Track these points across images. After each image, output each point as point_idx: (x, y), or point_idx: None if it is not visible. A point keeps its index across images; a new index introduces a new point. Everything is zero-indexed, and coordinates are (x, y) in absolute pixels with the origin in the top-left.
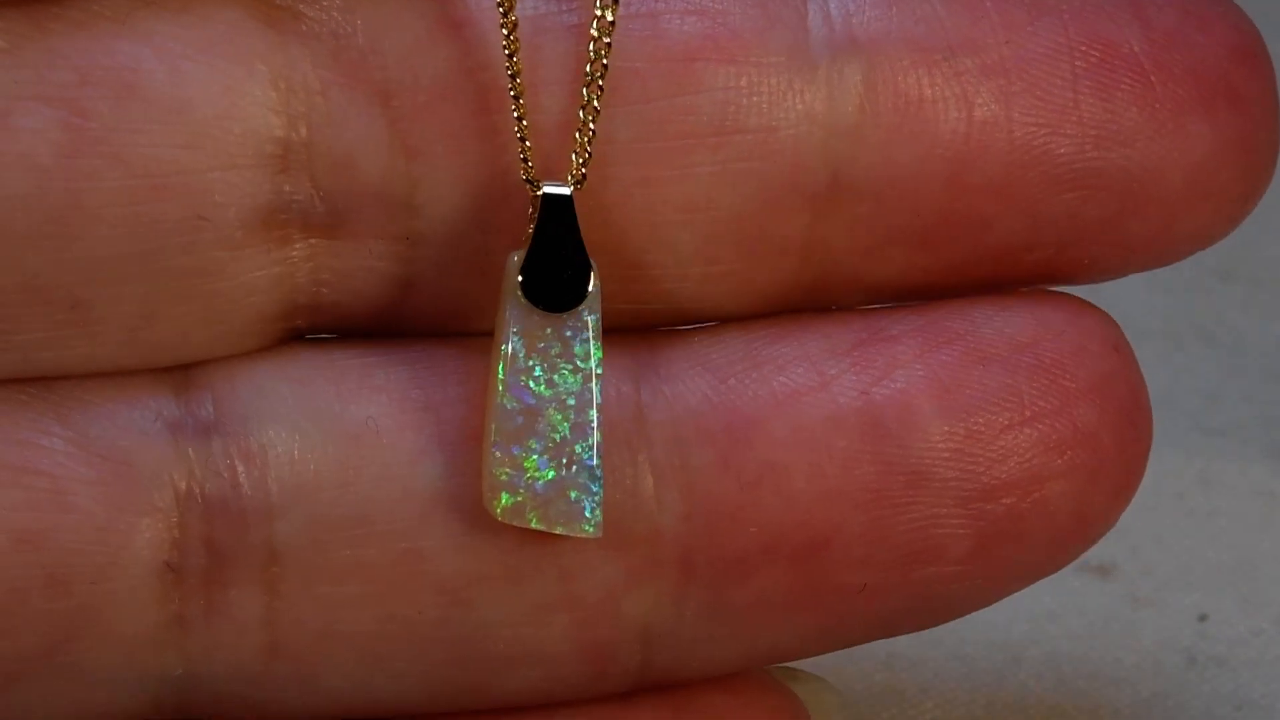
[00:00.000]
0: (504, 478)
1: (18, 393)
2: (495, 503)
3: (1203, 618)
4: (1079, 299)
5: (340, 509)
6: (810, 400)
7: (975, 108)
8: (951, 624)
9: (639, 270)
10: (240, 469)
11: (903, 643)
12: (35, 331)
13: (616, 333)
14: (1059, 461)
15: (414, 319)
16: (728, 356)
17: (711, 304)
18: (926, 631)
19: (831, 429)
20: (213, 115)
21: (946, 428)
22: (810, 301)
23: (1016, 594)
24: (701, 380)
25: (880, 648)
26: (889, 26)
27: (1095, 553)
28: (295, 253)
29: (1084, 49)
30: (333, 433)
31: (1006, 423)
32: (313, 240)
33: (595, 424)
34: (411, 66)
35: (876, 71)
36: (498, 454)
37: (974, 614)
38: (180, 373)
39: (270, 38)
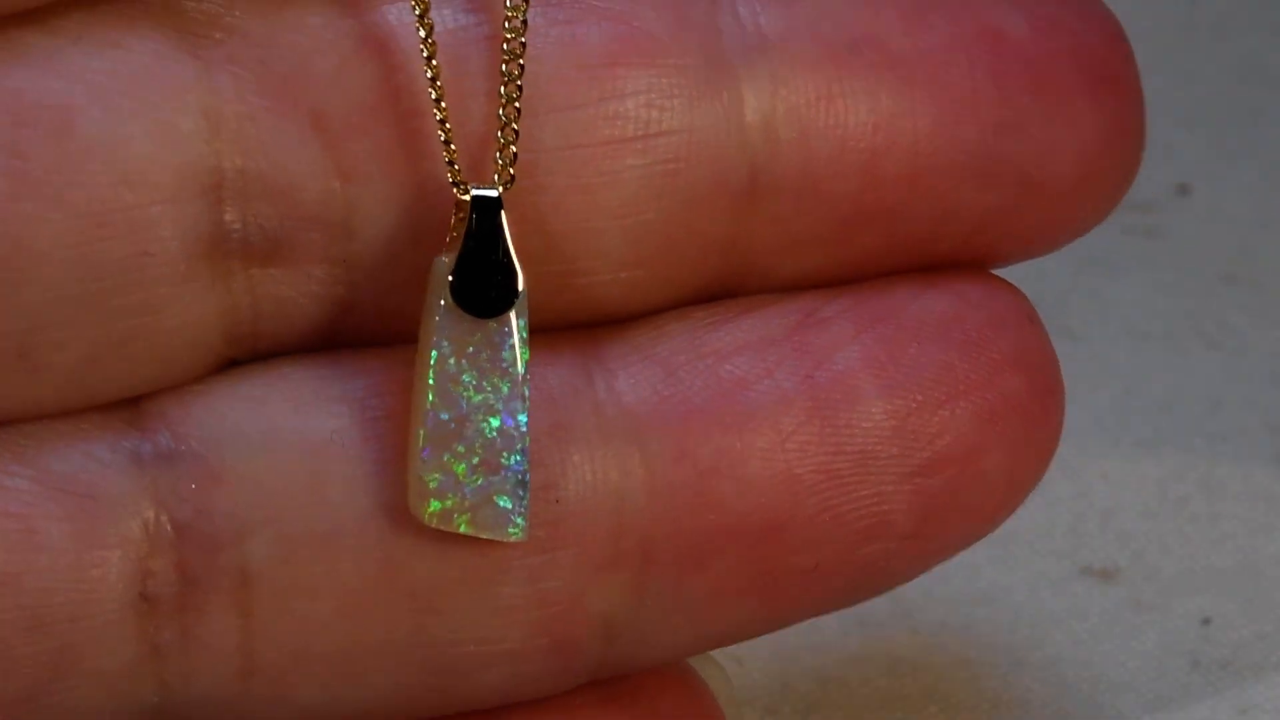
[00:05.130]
0: (433, 484)
1: None
2: (424, 508)
3: (1206, 622)
4: (988, 273)
5: (309, 525)
6: (756, 388)
7: (881, 100)
8: (955, 629)
9: (569, 278)
10: (205, 493)
11: (906, 648)
12: None
13: (557, 331)
14: (992, 432)
15: (354, 337)
16: (671, 348)
17: (637, 306)
18: (930, 637)
19: (779, 414)
20: (149, 150)
21: (888, 406)
22: (727, 296)
23: (1019, 598)
24: (650, 372)
25: (884, 653)
26: (795, 24)
27: (1098, 557)
28: (236, 283)
29: (976, 38)
30: (295, 449)
31: (942, 397)
32: (253, 270)
33: (523, 429)
34: (339, 88)
35: (786, 69)
36: (426, 459)
37: (977, 619)
38: (129, 404)
39: (195, 67)
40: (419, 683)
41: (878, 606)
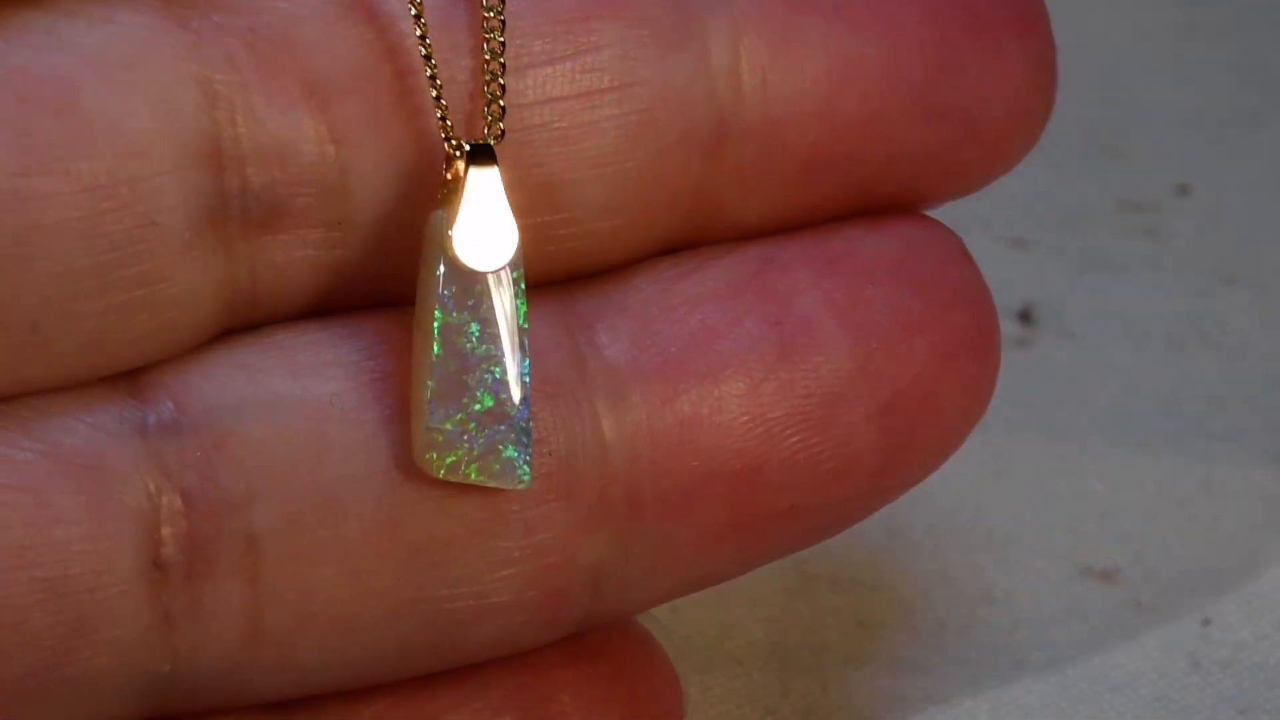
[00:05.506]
0: (441, 437)
1: None
2: (432, 460)
3: (1206, 622)
4: (922, 214)
5: (314, 489)
6: (728, 336)
7: (833, 45)
8: (955, 629)
9: (554, 229)
10: (211, 461)
11: (906, 648)
12: None
13: (534, 287)
14: (948, 368)
15: (349, 299)
16: (643, 300)
17: (614, 256)
18: (929, 637)
19: (752, 361)
20: (151, 122)
21: (851, 347)
22: (692, 244)
23: (1019, 598)
24: (626, 324)
25: (884, 653)
26: None
27: (1098, 557)
28: (237, 251)
29: None
30: (296, 413)
31: (901, 336)
32: (252, 236)
33: (526, 378)
34: (328, 53)
35: (746, 18)
36: (435, 411)
37: (977, 619)
38: (129, 377)
39: (185, 39)
40: (416, 639)
41: (878, 606)
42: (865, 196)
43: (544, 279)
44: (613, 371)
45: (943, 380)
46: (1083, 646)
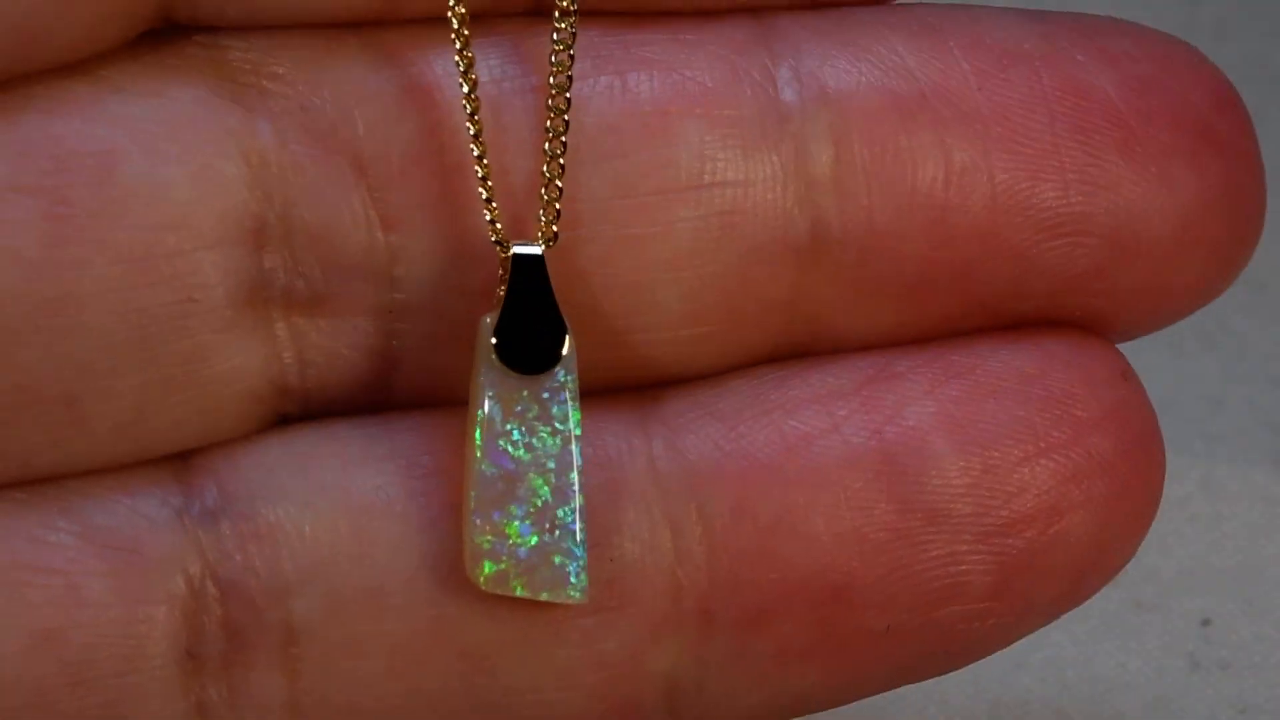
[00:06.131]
0: (486, 545)
1: (17, 493)
2: (478, 571)
3: (1206, 622)
4: (1081, 331)
5: (356, 582)
6: (822, 443)
7: (953, 155)
8: None
9: (623, 334)
10: (251, 550)
11: None
12: (32, 434)
13: (615, 390)
14: (1076, 492)
15: (403, 393)
16: (735, 404)
17: (699, 366)
18: None
19: (846, 471)
20: (191, 194)
21: (962, 463)
22: (799, 356)
23: None
24: (711, 429)
25: None
26: (858, 79)
27: None
28: (280, 332)
29: (1059, 95)
30: (342, 506)
31: (1022, 456)
32: (296, 318)
33: (576, 487)
34: (382, 136)
35: (849, 122)
36: (478, 521)
37: None
38: (178, 459)
39: (238, 114)
40: None
41: None
42: (997, 312)
43: (623, 383)
44: (691, 475)
45: (1069, 504)
46: (1083, 646)
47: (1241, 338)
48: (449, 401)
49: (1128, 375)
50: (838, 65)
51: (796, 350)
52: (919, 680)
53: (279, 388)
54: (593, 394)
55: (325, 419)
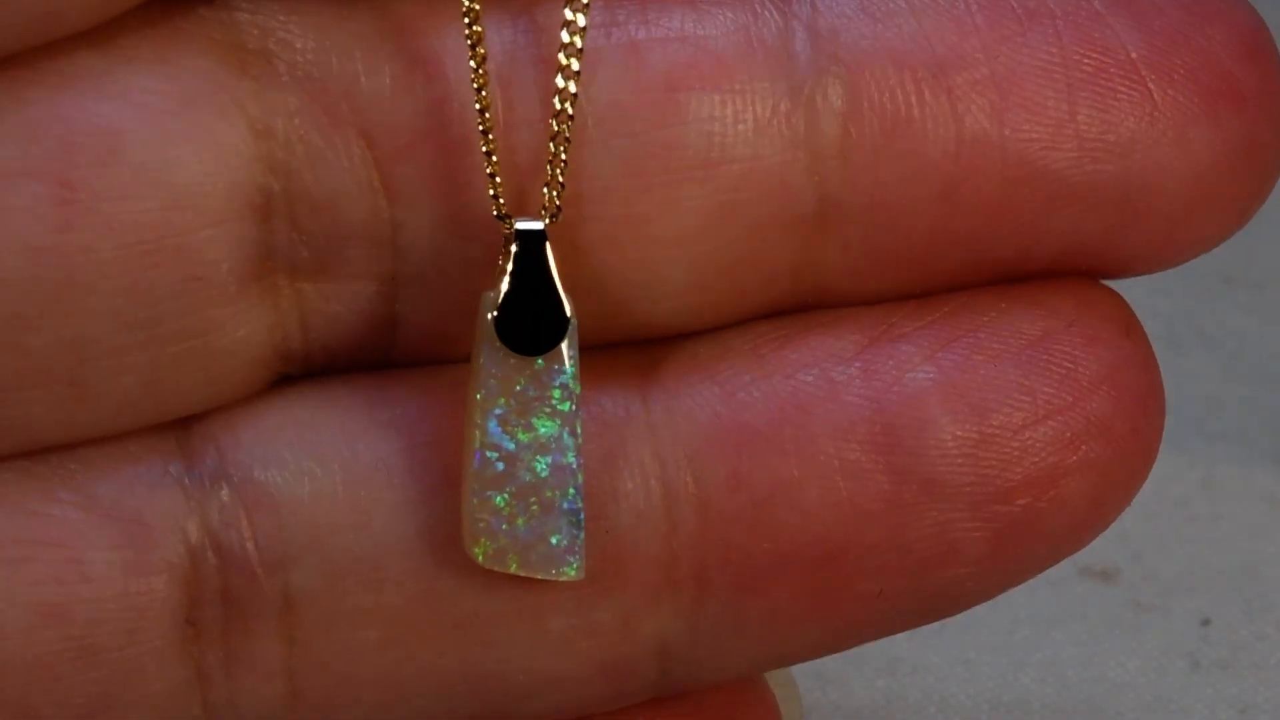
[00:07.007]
0: (483, 524)
1: (20, 463)
2: (476, 548)
3: (1206, 622)
4: (1086, 282)
5: (355, 552)
6: (819, 411)
7: (965, 124)
8: (955, 629)
9: (628, 306)
10: (251, 518)
11: (906, 648)
12: (36, 412)
13: (616, 346)
14: (1074, 457)
15: (403, 356)
16: (734, 367)
17: (705, 323)
18: (929, 637)
19: (842, 439)
20: (198, 172)
21: (959, 432)
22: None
23: (1019, 598)
24: (709, 394)
25: (883, 653)
26: (874, 44)
27: (1098, 558)
28: (284, 299)
29: (1078, 58)
30: (342, 474)
31: (1020, 422)
32: (299, 285)
33: (575, 466)
34: (388, 108)
35: (861, 91)
36: (476, 500)
37: (977, 619)
38: (179, 426)
39: (246, 85)
40: (467, 709)
41: None
42: (1002, 272)
43: (622, 341)
44: (686, 443)
45: (1067, 471)
46: (1082, 647)
47: (1241, 338)
48: (450, 359)
49: (1130, 331)
50: (853, 29)
51: (800, 306)
52: (904, 630)
53: (281, 351)
54: (592, 349)
55: (326, 379)
